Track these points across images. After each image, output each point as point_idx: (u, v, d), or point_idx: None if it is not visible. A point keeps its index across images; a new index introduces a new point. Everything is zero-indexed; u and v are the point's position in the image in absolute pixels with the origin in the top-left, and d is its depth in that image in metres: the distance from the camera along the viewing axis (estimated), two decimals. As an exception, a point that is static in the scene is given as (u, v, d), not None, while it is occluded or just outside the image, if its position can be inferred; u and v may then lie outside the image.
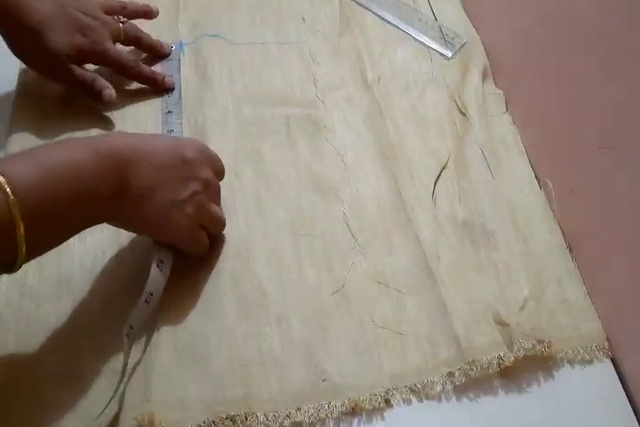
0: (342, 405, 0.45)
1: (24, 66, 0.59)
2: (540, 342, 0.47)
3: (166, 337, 0.47)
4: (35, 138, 0.57)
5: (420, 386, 0.46)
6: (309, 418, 0.44)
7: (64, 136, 0.57)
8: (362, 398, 0.45)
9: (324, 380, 0.46)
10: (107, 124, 0.58)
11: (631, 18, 0.44)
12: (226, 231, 0.52)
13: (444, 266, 0.52)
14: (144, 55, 0.64)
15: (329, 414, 0.44)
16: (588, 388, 0.47)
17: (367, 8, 0.70)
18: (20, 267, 0.37)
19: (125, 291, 0.48)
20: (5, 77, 0.60)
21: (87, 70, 0.58)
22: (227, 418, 0.43)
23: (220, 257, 0.51)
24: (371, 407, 0.45)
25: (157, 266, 0.46)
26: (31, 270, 0.49)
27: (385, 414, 0.45)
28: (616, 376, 0.48)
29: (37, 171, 0.37)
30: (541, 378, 0.47)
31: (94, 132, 0.58)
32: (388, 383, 0.46)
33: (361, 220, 0.54)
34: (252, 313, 0.49)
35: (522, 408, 0.46)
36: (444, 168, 0.58)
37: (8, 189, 0.34)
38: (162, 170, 0.43)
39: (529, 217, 0.55)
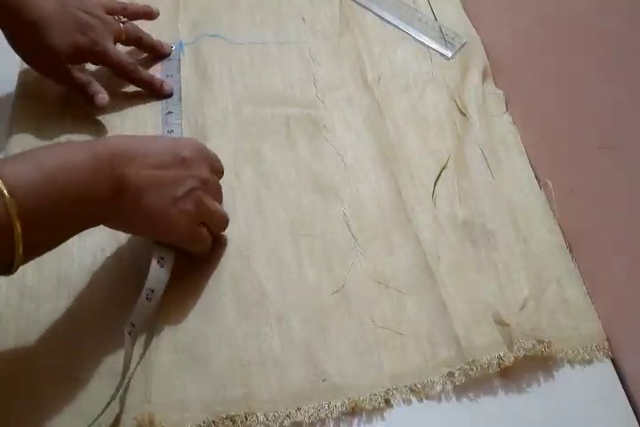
0: (342, 405, 0.45)
1: (24, 66, 0.59)
2: (540, 342, 0.47)
3: (166, 337, 0.47)
4: (35, 138, 0.57)
5: (420, 386, 0.46)
6: (309, 418, 0.44)
7: (64, 136, 0.57)
8: (362, 398, 0.45)
9: (323, 380, 0.46)
10: (106, 124, 0.58)
11: (631, 18, 0.44)
12: (226, 231, 0.52)
13: (443, 266, 0.52)
14: (144, 55, 0.64)
15: (329, 414, 0.44)
16: (588, 388, 0.47)
17: (367, 8, 0.70)
18: (17, 269, 0.37)
19: (125, 290, 0.48)
20: (5, 77, 0.60)
21: (87, 71, 0.58)
22: (227, 418, 0.43)
23: (221, 257, 0.51)
24: (371, 407, 0.45)
25: (158, 262, 0.46)
26: (30, 270, 0.49)
27: (385, 414, 0.45)
28: (616, 376, 0.48)
29: (35, 172, 0.37)
30: (541, 378, 0.47)
31: (94, 132, 0.58)
32: (387, 383, 0.46)
33: (361, 220, 0.54)
34: (252, 313, 0.49)
35: (522, 408, 0.46)
36: (443, 168, 0.58)
37: (5, 191, 0.34)
38: (159, 169, 0.43)
39: (529, 217, 0.55)
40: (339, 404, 0.45)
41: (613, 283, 0.50)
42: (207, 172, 0.47)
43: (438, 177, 0.57)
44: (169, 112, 0.60)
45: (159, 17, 0.65)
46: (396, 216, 0.55)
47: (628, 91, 0.45)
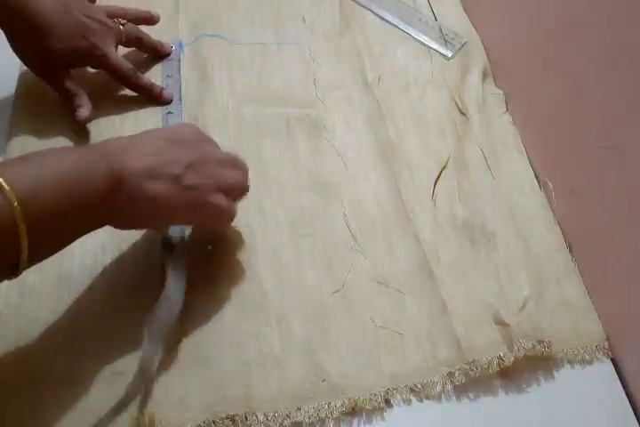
0: (342, 405, 0.45)
1: (24, 67, 0.59)
2: (540, 342, 0.47)
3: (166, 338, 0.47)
4: (35, 138, 0.57)
5: (420, 386, 0.46)
6: (309, 418, 0.44)
7: (64, 136, 0.57)
8: (362, 398, 0.45)
9: (323, 380, 0.46)
10: (107, 124, 0.58)
11: (631, 18, 0.44)
12: (226, 231, 0.52)
13: (443, 266, 0.52)
14: (144, 56, 0.64)
15: (329, 414, 0.44)
16: (588, 388, 0.48)
17: (367, 8, 0.70)
18: (21, 273, 0.37)
19: (126, 290, 0.49)
20: (6, 78, 0.60)
21: (88, 75, 0.58)
22: (227, 418, 0.43)
23: (221, 257, 0.51)
24: (371, 407, 0.45)
25: (175, 275, 0.46)
26: (31, 270, 0.48)
27: (385, 414, 0.45)
28: (616, 376, 0.48)
29: (38, 176, 0.37)
30: (541, 378, 0.48)
31: (94, 131, 0.58)
32: (388, 383, 0.46)
33: (361, 220, 0.54)
34: (252, 313, 0.49)
35: (522, 408, 0.46)
36: (444, 168, 0.58)
37: (12, 195, 0.34)
38: (155, 155, 0.42)
39: (529, 217, 0.56)
40: (339, 404, 0.45)
41: (613, 283, 0.50)
42: (205, 146, 0.46)
43: (438, 177, 0.57)
44: (169, 112, 0.60)
45: (159, 16, 0.65)
46: (396, 216, 0.55)
47: (628, 91, 0.45)
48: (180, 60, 0.64)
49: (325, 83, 0.63)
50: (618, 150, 0.47)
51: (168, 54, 0.64)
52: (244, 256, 0.51)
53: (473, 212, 0.55)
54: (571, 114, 0.53)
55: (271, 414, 0.44)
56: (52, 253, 0.40)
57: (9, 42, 0.54)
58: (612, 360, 0.49)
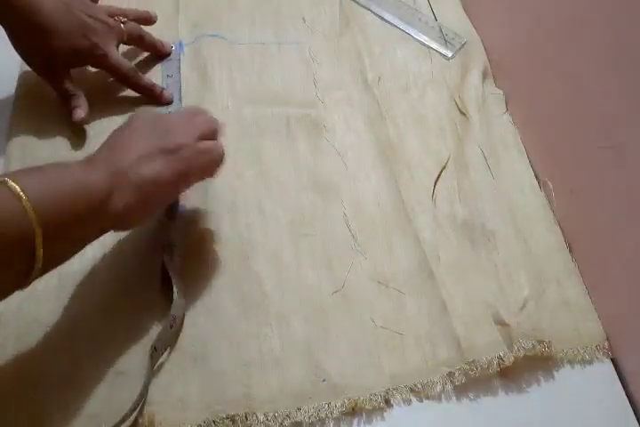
0: (342, 405, 0.45)
1: (25, 67, 0.59)
2: (540, 342, 0.47)
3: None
4: (35, 138, 0.56)
5: (420, 386, 0.46)
6: (309, 418, 0.44)
7: (64, 136, 0.57)
8: (362, 398, 0.45)
9: (323, 380, 0.46)
10: (107, 124, 0.58)
11: (631, 18, 0.44)
12: (226, 231, 0.52)
13: (443, 266, 0.52)
14: (145, 56, 0.64)
15: (329, 414, 0.44)
16: (588, 388, 0.48)
17: (367, 8, 0.70)
18: (32, 281, 0.37)
19: (126, 291, 0.49)
20: (6, 78, 0.60)
21: (88, 75, 0.58)
22: (227, 418, 0.43)
23: (220, 257, 0.51)
24: (371, 407, 0.45)
25: (178, 293, 0.47)
26: (31, 270, 0.49)
27: (385, 414, 0.45)
28: (616, 376, 0.48)
29: (48, 182, 0.38)
30: (541, 378, 0.48)
31: (94, 132, 0.58)
32: (388, 383, 0.46)
33: (361, 220, 0.54)
34: (252, 313, 0.49)
35: (522, 408, 0.46)
36: (443, 168, 0.58)
37: (29, 204, 0.35)
38: (133, 146, 0.43)
39: (529, 217, 0.56)
40: (339, 404, 0.45)
41: (613, 283, 0.50)
42: (165, 117, 0.47)
43: (438, 177, 0.57)
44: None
45: (159, 17, 0.64)
46: (396, 216, 0.55)
47: (628, 91, 0.45)
48: (179, 60, 0.64)
49: (325, 83, 0.63)
50: (618, 150, 0.47)
51: (168, 54, 0.64)
52: (244, 256, 0.51)
53: (473, 212, 0.55)
54: (571, 114, 0.53)
55: (271, 414, 0.44)
56: (64, 261, 0.40)
57: (10, 41, 0.54)
58: (612, 360, 0.49)
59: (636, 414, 0.47)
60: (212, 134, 0.48)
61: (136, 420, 0.43)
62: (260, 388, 0.45)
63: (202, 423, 0.43)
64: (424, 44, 0.68)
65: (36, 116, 0.58)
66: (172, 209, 0.51)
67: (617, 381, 0.48)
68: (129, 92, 0.60)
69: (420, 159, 0.58)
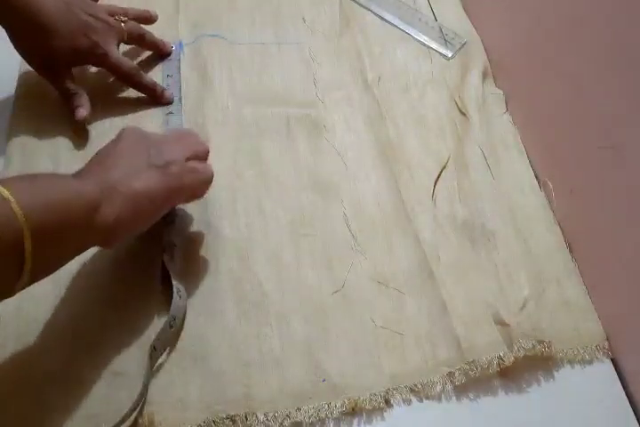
0: (342, 405, 0.45)
1: (25, 67, 0.59)
2: (540, 342, 0.47)
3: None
4: (35, 138, 0.56)
5: (420, 386, 0.46)
6: (309, 418, 0.44)
7: (64, 136, 0.57)
8: (362, 398, 0.45)
9: (323, 380, 0.46)
10: (107, 125, 0.58)
11: (631, 18, 0.44)
12: (226, 231, 0.52)
13: (443, 266, 0.52)
14: (145, 57, 0.64)
15: (329, 414, 0.44)
16: (588, 388, 0.48)
17: (367, 8, 0.70)
18: (18, 290, 0.37)
19: (126, 291, 0.49)
20: (6, 78, 0.60)
21: (88, 75, 0.58)
22: (227, 418, 0.43)
23: (220, 257, 0.51)
24: (371, 407, 0.45)
25: (177, 293, 0.47)
26: (31, 270, 0.49)
27: (385, 414, 0.45)
28: (616, 376, 0.48)
29: (39, 189, 0.38)
30: (541, 378, 0.48)
31: (94, 132, 0.58)
32: (388, 383, 0.46)
33: (361, 220, 0.54)
34: (252, 313, 0.49)
35: (522, 408, 0.46)
36: (443, 168, 0.58)
37: (19, 210, 0.35)
38: (122, 163, 0.43)
39: (529, 217, 0.56)
40: (339, 404, 0.45)
41: (613, 283, 0.50)
42: (153, 136, 0.47)
43: (438, 177, 0.57)
44: (169, 113, 0.60)
45: (160, 17, 0.64)
46: (396, 216, 0.55)
47: (628, 91, 0.45)
48: (180, 59, 0.64)
49: (325, 83, 0.63)
50: (618, 150, 0.46)
51: (169, 53, 0.64)
52: (243, 256, 0.51)
53: (473, 212, 0.55)
54: (571, 114, 0.53)
55: (271, 414, 0.44)
56: (50, 272, 0.40)
57: (11, 41, 0.54)
58: (612, 360, 0.49)
59: (636, 414, 0.47)
60: (201, 156, 0.48)
61: (136, 420, 0.43)
62: (260, 388, 0.45)
63: (202, 423, 0.43)
64: (424, 44, 0.68)
65: (37, 116, 0.58)
66: (170, 213, 0.51)
67: (617, 381, 0.48)
68: (130, 93, 0.60)
69: (420, 159, 0.58)
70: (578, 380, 0.48)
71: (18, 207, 0.35)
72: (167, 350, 0.46)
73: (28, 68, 0.57)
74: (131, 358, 0.45)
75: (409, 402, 0.46)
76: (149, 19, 0.63)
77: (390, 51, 0.67)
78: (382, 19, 0.69)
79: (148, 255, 0.50)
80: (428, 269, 0.52)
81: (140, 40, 0.61)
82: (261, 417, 0.44)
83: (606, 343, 0.49)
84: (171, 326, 0.45)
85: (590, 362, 0.49)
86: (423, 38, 0.68)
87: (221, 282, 0.50)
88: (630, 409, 0.47)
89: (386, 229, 0.54)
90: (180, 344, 0.47)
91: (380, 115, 0.61)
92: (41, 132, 0.57)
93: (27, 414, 0.43)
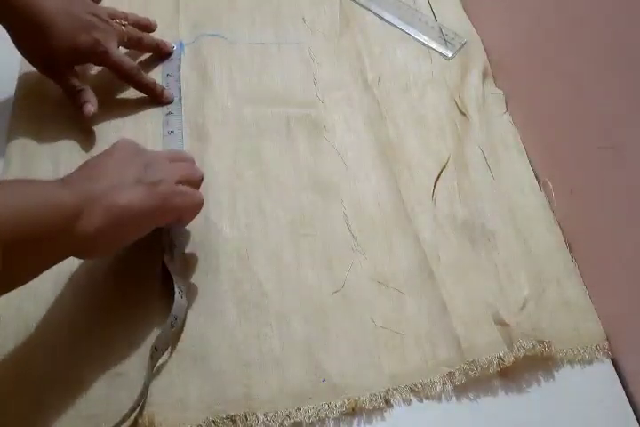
0: (342, 405, 0.45)
1: (25, 68, 0.59)
2: (541, 342, 0.47)
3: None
4: (35, 140, 0.56)
5: (420, 386, 0.46)
6: (309, 418, 0.44)
7: (65, 138, 0.57)
8: (362, 398, 0.45)
9: (323, 380, 0.46)
10: (107, 125, 0.58)
11: (631, 18, 0.44)
12: (226, 231, 0.52)
13: (443, 266, 0.52)
14: (146, 57, 0.64)
15: (329, 414, 0.44)
16: (588, 388, 0.48)
17: (367, 8, 0.70)
18: None
19: (126, 291, 0.49)
20: (6, 78, 0.60)
21: (89, 73, 0.58)
22: (227, 418, 0.43)
23: (220, 257, 0.51)
24: (371, 407, 0.45)
25: (179, 293, 0.47)
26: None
27: (385, 414, 0.45)
28: (616, 376, 0.48)
29: (10, 194, 0.37)
30: (541, 378, 0.48)
31: (94, 133, 0.57)
32: (388, 383, 0.46)
33: (361, 220, 0.54)
34: (252, 313, 0.49)
35: (522, 408, 0.46)
36: (443, 168, 0.58)
37: None
38: (112, 173, 0.43)
39: (529, 217, 0.56)
40: (339, 404, 0.45)
41: (613, 283, 0.50)
42: (149, 152, 0.47)
43: (438, 177, 0.57)
44: (169, 113, 0.60)
45: (159, 16, 0.64)
46: (396, 216, 0.55)
47: (628, 91, 0.45)
48: (180, 59, 0.64)
49: (325, 83, 0.63)
50: (618, 150, 0.46)
51: (170, 53, 0.64)
52: (243, 256, 0.51)
53: (473, 212, 0.55)
54: (571, 114, 0.53)
55: (271, 414, 0.44)
56: (24, 281, 0.39)
57: (11, 38, 0.54)
58: (612, 360, 0.49)
59: (636, 414, 0.47)
60: (193, 182, 0.48)
61: (136, 420, 0.43)
62: (260, 388, 0.45)
63: (202, 424, 0.43)
64: (424, 44, 0.68)
65: (37, 117, 0.58)
66: None
67: (617, 381, 0.48)
68: (130, 94, 0.60)
69: (420, 159, 0.58)
70: (578, 380, 0.48)
71: None
72: (168, 351, 0.46)
73: (29, 68, 0.57)
74: (131, 359, 0.45)
75: (409, 402, 0.46)
76: (149, 26, 0.63)
77: (390, 51, 0.67)
78: (382, 19, 0.69)
79: (148, 255, 0.50)
80: (428, 269, 0.52)
81: (139, 43, 0.61)
82: (261, 417, 0.44)
83: (606, 343, 0.49)
84: (172, 326, 0.45)
85: (590, 362, 0.49)
86: (423, 38, 0.68)
87: (221, 282, 0.50)
88: (630, 409, 0.47)
89: (386, 229, 0.54)
90: (180, 344, 0.47)
91: (380, 115, 0.61)
92: (41, 133, 0.57)
93: (26, 415, 0.43)
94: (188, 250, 0.51)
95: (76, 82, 0.56)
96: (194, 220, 0.51)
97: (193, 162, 0.50)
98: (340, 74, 0.64)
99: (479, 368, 0.46)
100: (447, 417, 0.46)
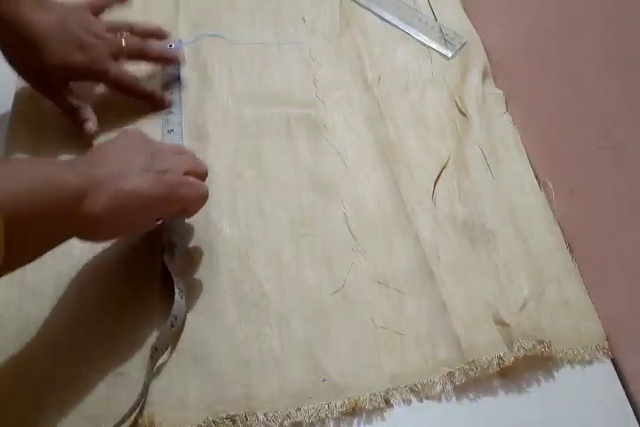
0: (342, 405, 0.45)
1: (22, 81, 0.57)
2: (541, 342, 0.47)
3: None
4: (33, 154, 0.55)
5: (420, 386, 0.46)
6: (309, 418, 0.44)
7: (63, 151, 0.55)
8: (362, 398, 0.45)
9: (323, 380, 0.46)
10: (107, 125, 0.58)
11: (631, 18, 0.44)
12: (226, 231, 0.52)
13: (443, 266, 0.52)
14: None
15: (329, 414, 0.44)
16: (588, 388, 0.48)
17: (367, 8, 0.70)
18: None
19: (126, 291, 0.49)
20: (3, 91, 0.58)
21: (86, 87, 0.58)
22: (227, 418, 0.43)
23: (220, 257, 0.51)
24: (371, 407, 0.45)
25: (179, 294, 0.47)
26: (30, 270, 0.48)
27: (385, 414, 0.45)
28: (616, 376, 0.48)
29: (15, 171, 0.37)
30: (541, 378, 0.48)
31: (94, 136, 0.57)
32: (388, 383, 0.46)
33: (361, 220, 0.54)
34: (252, 313, 0.49)
35: (522, 408, 0.46)
36: (443, 168, 0.58)
37: None
38: (118, 159, 0.43)
39: (529, 217, 0.56)
40: (339, 404, 0.45)
41: (613, 283, 0.50)
42: (156, 142, 0.47)
43: (438, 177, 0.57)
44: (169, 112, 0.60)
45: (159, 16, 0.64)
46: (396, 216, 0.55)
47: (628, 91, 0.45)
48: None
49: (325, 83, 0.63)
50: (618, 150, 0.46)
51: (172, 60, 0.62)
52: (243, 256, 0.51)
53: (473, 212, 0.55)
54: (571, 114, 0.53)
55: (271, 414, 0.44)
56: (28, 260, 0.39)
57: (3, 53, 0.53)
58: (612, 360, 0.49)
59: (636, 414, 0.47)
60: (199, 174, 0.48)
61: (136, 420, 0.43)
62: (260, 388, 0.45)
63: (202, 424, 0.43)
64: (424, 44, 0.68)
65: (35, 130, 0.56)
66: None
67: (617, 381, 0.48)
68: (130, 104, 0.59)
69: (420, 159, 0.58)
70: (578, 380, 0.48)
71: None
72: (168, 351, 0.46)
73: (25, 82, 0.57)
74: (131, 359, 0.45)
75: (409, 402, 0.46)
76: (158, 34, 0.61)
77: (390, 51, 0.67)
78: (382, 19, 0.69)
79: (148, 255, 0.50)
80: (428, 269, 0.52)
81: (142, 55, 0.59)
82: (261, 417, 0.44)
83: (606, 343, 0.49)
84: (172, 326, 0.45)
85: (590, 362, 0.49)
86: (423, 38, 0.68)
87: (221, 282, 0.50)
88: (630, 409, 0.47)
89: (386, 229, 0.54)
90: (180, 344, 0.47)
91: (380, 115, 0.61)
92: (39, 147, 0.55)
93: (26, 414, 0.43)
94: (188, 250, 0.51)
95: (72, 99, 0.55)
96: (194, 219, 0.51)
97: (195, 156, 0.50)
98: (339, 74, 0.64)
99: (479, 368, 0.46)
100: (447, 417, 0.46)
